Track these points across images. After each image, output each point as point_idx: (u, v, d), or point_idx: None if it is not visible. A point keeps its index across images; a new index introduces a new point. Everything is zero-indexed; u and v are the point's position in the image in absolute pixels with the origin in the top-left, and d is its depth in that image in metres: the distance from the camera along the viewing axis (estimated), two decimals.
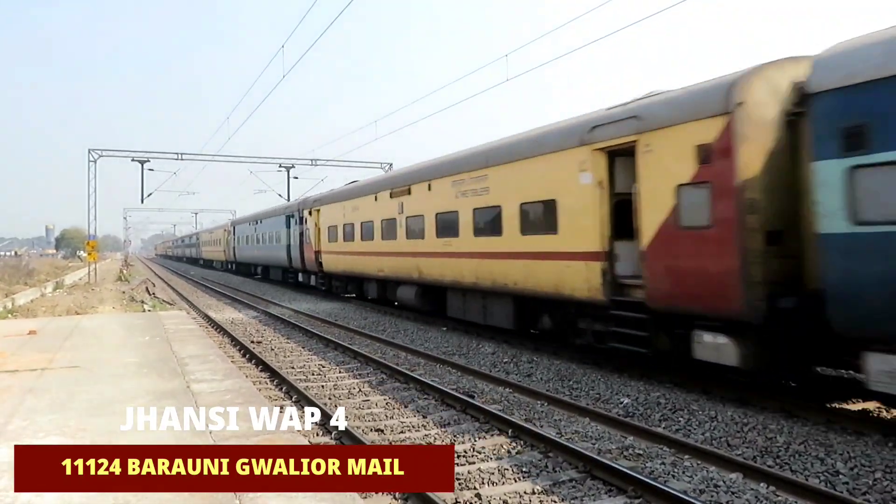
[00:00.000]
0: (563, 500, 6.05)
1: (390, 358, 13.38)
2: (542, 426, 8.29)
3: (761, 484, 6.22)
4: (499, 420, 8.37)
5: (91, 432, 6.39)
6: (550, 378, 11.13)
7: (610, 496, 6.13)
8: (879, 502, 5.87)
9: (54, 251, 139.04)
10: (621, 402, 9.41)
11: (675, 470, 6.69)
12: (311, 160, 43.66)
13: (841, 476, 6.47)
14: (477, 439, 7.89)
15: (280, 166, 44.24)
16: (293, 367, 12.68)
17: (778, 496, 5.97)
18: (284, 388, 10.74)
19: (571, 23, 16.78)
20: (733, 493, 6.06)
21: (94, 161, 38.33)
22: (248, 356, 13.85)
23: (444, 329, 17.16)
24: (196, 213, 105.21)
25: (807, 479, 6.37)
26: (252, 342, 15.74)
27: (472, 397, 9.62)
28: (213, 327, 19.06)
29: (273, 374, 11.70)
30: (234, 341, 15.85)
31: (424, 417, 8.94)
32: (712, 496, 6.00)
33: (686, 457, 7.08)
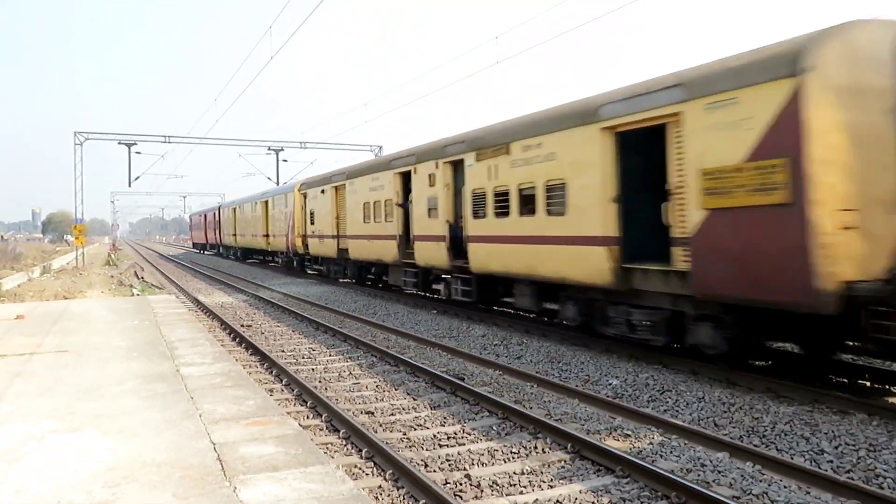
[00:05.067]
0: (552, 479, 6.10)
1: (381, 341, 13.40)
2: (531, 408, 8.34)
3: (747, 463, 6.30)
4: (489, 402, 8.41)
5: (80, 415, 6.37)
6: (540, 360, 11.19)
7: (598, 476, 6.18)
8: (863, 480, 5.96)
9: (41, 235, 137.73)
10: (610, 384, 9.48)
11: (663, 450, 6.76)
12: (301, 143, 43.42)
13: (826, 454, 6.56)
14: (467, 421, 7.93)
15: (269, 149, 43.97)
16: (283, 351, 12.68)
17: (763, 475, 6.05)
18: (274, 372, 10.74)
19: (562, 4, 16.63)
20: (720, 472, 6.13)
21: (81, 144, 37.94)
22: (237, 340, 13.83)
23: (435, 312, 17.19)
24: (185, 197, 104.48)
25: (792, 458, 6.46)
26: (242, 326, 15.71)
27: (462, 379, 9.66)
28: (202, 311, 19.00)
29: (263, 358, 11.69)
30: (224, 325, 15.81)
31: (415, 400, 8.97)
32: (699, 475, 6.07)
33: (674, 437, 7.16)
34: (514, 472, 6.26)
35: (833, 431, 7.09)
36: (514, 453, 6.79)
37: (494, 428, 7.64)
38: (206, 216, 60.84)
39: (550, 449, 6.89)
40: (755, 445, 6.86)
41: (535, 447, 6.95)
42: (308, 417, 8.25)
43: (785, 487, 5.77)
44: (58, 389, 7.44)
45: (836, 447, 6.71)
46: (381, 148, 43.44)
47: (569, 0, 15.67)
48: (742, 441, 6.99)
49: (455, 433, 7.47)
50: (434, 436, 7.40)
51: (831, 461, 6.41)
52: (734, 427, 7.47)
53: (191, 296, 22.99)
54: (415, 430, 7.68)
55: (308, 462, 5.06)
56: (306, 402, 8.83)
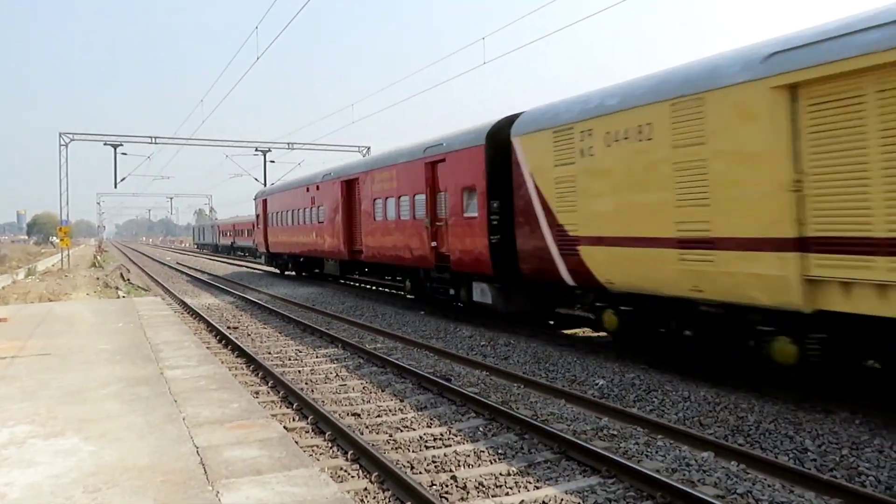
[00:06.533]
0: (538, 480, 6.10)
1: (368, 342, 13.37)
2: (518, 408, 8.34)
3: (732, 462, 6.33)
4: (475, 403, 8.41)
5: (62, 420, 6.30)
6: (527, 361, 11.20)
7: (584, 476, 6.19)
8: (845, 478, 6.00)
9: (26, 237, 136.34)
10: (597, 384, 9.50)
11: (649, 450, 6.79)
12: (288, 144, 43.28)
13: (809, 453, 6.61)
14: (453, 422, 7.92)
15: (256, 150, 43.82)
16: (269, 353, 12.62)
17: (748, 474, 6.08)
18: (260, 374, 10.68)
19: (549, 5, 16.64)
20: (705, 471, 6.16)
21: (66, 145, 37.63)
22: (223, 342, 13.74)
23: (423, 313, 17.16)
24: (171, 198, 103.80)
25: (776, 457, 6.50)
26: (228, 328, 15.62)
27: (449, 380, 9.65)
28: (188, 313, 18.88)
29: (249, 360, 11.63)
30: (210, 327, 15.71)
31: (401, 401, 8.95)
32: (684, 475, 6.10)
33: (659, 437, 7.18)
34: (501, 474, 6.26)
35: (817, 430, 7.14)
36: (501, 454, 6.79)
37: (481, 429, 7.63)
38: (329, 189, 22.69)
39: (537, 449, 6.89)
40: (740, 444, 6.90)
41: (522, 448, 6.95)
42: (294, 420, 8.21)
43: (769, 486, 5.80)
44: (40, 393, 7.35)
45: (820, 446, 6.76)
46: (368, 149, 43.34)
47: (554, 2, 15.65)
48: (727, 440, 7.03)
49: (441, 434, 7.46)
50: (420, 437, 7.38)
51: (815, 460, 6.45)
52: (719, 426, 7.51)
53: (177, 298, 22.83)
54: (401, 431, 7.66)
55: (292, 465, 5.03)
56: (292, 405, 8.78)
